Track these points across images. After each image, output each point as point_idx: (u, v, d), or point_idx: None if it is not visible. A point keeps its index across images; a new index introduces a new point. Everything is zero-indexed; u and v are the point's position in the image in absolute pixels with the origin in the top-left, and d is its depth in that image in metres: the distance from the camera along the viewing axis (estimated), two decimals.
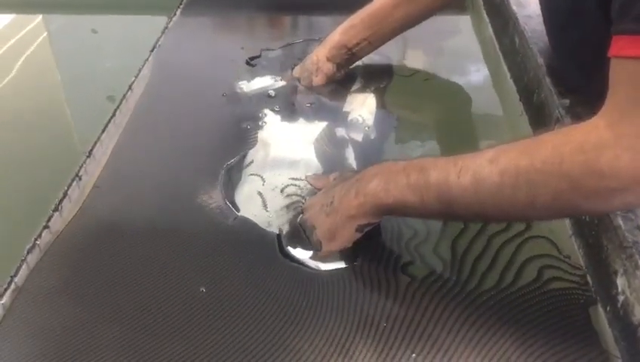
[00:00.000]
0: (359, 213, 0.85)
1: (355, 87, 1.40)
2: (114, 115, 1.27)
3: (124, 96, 1.34)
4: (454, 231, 0.96)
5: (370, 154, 1.18)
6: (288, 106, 1.32)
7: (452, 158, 0.78)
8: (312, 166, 1.13)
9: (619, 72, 0.68)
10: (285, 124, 1.27)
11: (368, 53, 1.38)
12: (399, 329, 0.82)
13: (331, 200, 0.89)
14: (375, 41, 1.34)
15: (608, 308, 0.82)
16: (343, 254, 0.91)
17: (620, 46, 0.67)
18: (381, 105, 1.34)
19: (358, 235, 0.89)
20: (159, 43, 1.60)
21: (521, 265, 0.91)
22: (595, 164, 0.66)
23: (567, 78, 1.09)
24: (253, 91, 1.38)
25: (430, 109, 1.40)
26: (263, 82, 1.41)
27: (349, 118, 1.28)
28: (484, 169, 0.73)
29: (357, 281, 0.89)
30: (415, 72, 1.47)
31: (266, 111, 1.30)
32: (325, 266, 0.91)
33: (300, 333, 0.81)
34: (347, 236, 0.89)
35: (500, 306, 0.85)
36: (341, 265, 0.91)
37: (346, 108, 1.32)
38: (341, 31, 1.35)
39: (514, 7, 1.39)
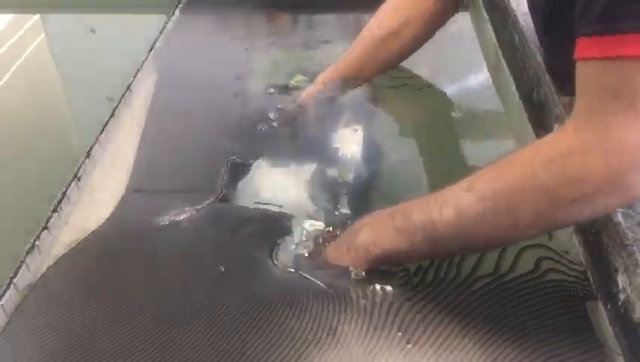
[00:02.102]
0: (354, 266, 0.85)
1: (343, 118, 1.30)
2: (113, 115, 1.27)
3: (123, 96, 1.34)
4: None
5: (361, 192, 1.13)
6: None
7: (433, 195, 0.77)
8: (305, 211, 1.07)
9: (582, 75, 0.67)
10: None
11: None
12: (394, 316, 0.82)
13: (325, 257, 0.89)
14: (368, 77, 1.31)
15: (609, 306, 0.81)
16: None
17: (582, 48, 0.66)
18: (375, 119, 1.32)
19: None
20: (157, 43, 1.60)
21: (520, 260, 0.91)
22: (566, 172, 0.66)
23: (562, 76, 1.09)
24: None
25: (428, 108, 1.40)
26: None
27: (339, 154, 1.21)
28: (462, 199, 0.73)
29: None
30: (413, 76, 1.46)
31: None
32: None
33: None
34: None
35: (495, 297, 0.85)
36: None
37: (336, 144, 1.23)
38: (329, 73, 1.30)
39: (513, 5, 1.39)
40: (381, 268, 0.87)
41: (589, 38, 0.65)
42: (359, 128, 1.26)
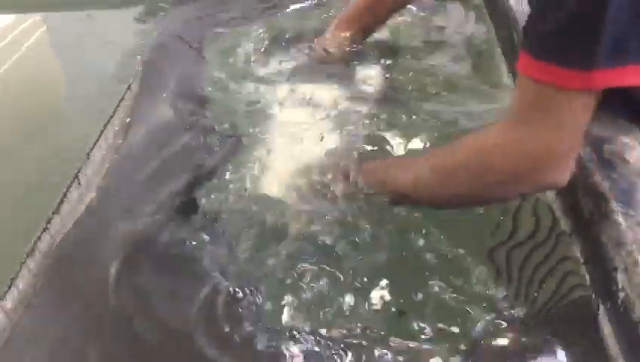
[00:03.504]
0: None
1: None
2: (113, 115, 1.27)
3: (123, 96, 1.34)
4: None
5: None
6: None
7: (407, 160, 0.98)
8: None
9: (520, 87, 0.82)
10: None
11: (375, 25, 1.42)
12: None
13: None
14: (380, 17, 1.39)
15: (608, 305, 0.82)
16: None
17: (524, 63, 0.79)
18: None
19: None
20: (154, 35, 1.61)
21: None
22: (490, 161, 0.84)
23: None
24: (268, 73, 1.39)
25: (426, 109, 1.39)
26: (278, 63, 1.43)
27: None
28: (420, 168, 0.91)
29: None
30: (411, 79, 1.46)
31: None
32: None
33: None
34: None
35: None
36: None
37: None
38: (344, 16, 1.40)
39: (512, 3, 1.38)
40: None
41: (532, 58, 0.77)
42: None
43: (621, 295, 0.78)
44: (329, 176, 1.03)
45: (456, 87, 1.33)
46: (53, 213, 1.01)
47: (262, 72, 1.41)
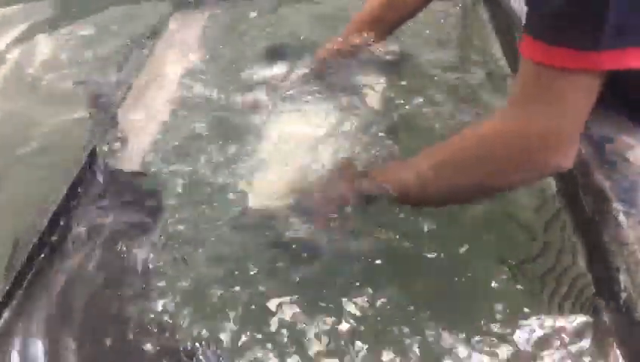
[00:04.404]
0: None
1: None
2: (114, 116, 1.27)
3: (125, 95, 1.34)
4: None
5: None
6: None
7: (408, 161, 0.93)
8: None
9: (523, 71, 0.81)
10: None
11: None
12: None
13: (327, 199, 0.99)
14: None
15: (611, 305, 0.81)
16: None
17: (528, 46, 0.78)
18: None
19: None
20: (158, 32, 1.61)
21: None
22: (492, 150, 0.83)
23: None
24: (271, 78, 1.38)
25: (425, 110, 1.39)
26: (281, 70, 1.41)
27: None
28: (421, 166, 0.89)
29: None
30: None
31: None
32: None
33: None
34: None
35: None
36: None
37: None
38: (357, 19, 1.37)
39: (513, 4, 1.39)
40: None
41: (534, 41, 0.77)
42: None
43: (623, 295, 0.77)
44: (329, 185, 1.00)
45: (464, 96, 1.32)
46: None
47: (260, 76, 1.40)
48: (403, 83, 1.36)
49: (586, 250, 0.91)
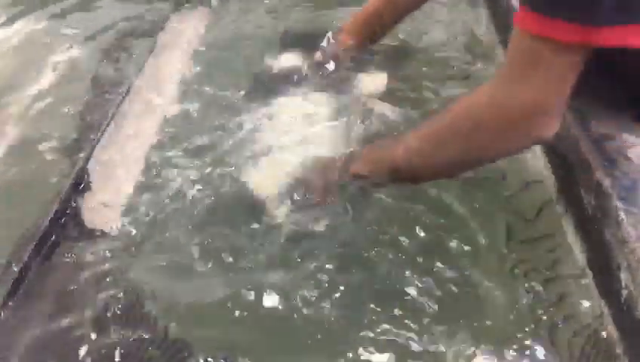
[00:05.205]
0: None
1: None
2: (112, 117, 1.27)
3: (127, 94, 1.34)
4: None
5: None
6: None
7: (398, 136, 0.96)
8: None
9: (512, 38, 0.81)
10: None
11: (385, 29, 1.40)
12: None
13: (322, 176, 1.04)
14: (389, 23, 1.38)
15: (612, 303, 0.81)
16: None
17: (523, 17, 0.78)
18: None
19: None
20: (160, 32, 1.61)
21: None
22: (481, 119, 0.84)
23: None
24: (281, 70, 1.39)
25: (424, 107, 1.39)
26: (290, 60, 1.42)
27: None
28: (410, 140, 0.92)
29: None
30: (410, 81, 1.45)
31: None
32: None
33: None
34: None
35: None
36: None
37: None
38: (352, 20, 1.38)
39: (513, 0, 1.38)
40: None
41: (532, 13, 0.76)
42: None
43: (624, 293, 0.77)
44: (324, 168, 1.03)
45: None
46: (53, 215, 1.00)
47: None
48: (402, 80, 1.35)
49: (587, 248, 0.91)
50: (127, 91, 1.36)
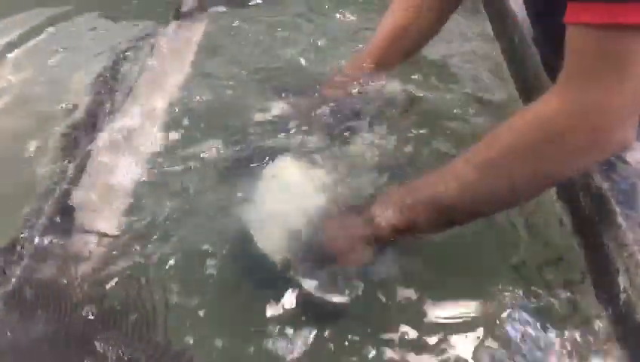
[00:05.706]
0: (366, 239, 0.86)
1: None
2: (112, 118, 1.27)
3: (124, 102, 1.34)
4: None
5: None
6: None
7: (438, 171, 0.83)
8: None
9: (571, 39, 0.72)
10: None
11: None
12: None
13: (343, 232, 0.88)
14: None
15: (610, 307, 0.81)
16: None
17: (571, 12, 0.70)
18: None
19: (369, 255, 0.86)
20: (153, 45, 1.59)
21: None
22: (551, 131, 0.72)
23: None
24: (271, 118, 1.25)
25: (426, 109, 1.38)
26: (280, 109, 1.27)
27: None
28: (462, 171, 0.78)
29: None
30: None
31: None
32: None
33: None
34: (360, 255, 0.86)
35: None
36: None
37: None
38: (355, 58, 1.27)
39: (512, 5, 1.39)
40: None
41: (582, 4, 0.68)
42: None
43: (623, 296, 0.77)
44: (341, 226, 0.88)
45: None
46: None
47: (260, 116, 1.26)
48: (408, 122, 1.23)
49: (585, 252, 0.91)
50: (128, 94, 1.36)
